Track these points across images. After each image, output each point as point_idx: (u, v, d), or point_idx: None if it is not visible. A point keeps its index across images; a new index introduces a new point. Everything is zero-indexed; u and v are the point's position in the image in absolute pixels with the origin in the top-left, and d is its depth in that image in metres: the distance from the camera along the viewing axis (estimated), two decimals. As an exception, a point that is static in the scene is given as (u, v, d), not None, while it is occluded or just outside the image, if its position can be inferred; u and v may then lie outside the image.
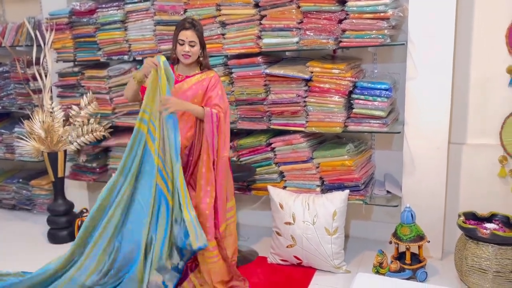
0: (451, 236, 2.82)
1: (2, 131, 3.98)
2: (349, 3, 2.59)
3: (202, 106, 2.40)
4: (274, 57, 3.06)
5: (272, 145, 2.96)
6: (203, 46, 2.47)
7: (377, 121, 2.67)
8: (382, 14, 2.53)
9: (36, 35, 3.35)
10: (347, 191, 2.71)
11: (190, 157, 2.47)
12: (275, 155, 2.97)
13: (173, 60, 2.54)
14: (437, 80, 2.64)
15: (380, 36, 2.56)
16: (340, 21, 2.65)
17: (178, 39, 2.42)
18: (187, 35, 2.40)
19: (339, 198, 2.68)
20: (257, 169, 3.01)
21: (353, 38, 2.62)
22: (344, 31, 2.64)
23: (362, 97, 2.69)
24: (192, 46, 2.42)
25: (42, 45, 3.31)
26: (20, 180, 4.00)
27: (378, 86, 2.66)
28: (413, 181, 2.79)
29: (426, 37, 2.62)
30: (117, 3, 3.23)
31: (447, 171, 2.75)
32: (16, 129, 3.83)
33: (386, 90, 2.65)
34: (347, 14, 2.62)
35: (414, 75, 2.69)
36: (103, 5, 3.29)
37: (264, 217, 3.35)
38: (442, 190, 2.75)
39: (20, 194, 3.99)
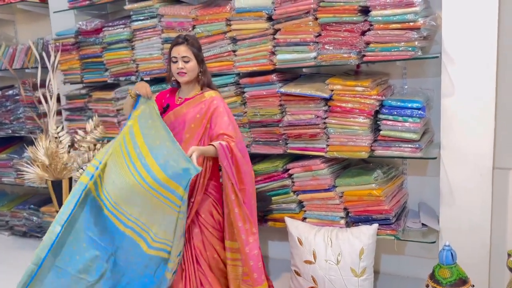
0: (498, 279, 2.43)
1: (13, 155, 3.90)
2: (373, 13, 2.30)
3: (213, 145, 2.14)
4: (290, 74, 2.79)
5: (290, 171, 2.67)
6: (200, 61, 2.23)
7: (409, 145, 2.33)
8: (411, 23, 2.22)
9: (42, 57, 3.22)
10: (375, 225, 2.38)
11: (191, 199, 2.19)
12: (293, 182, 2.68)
13: (170, 82, 2.35)
14: (478, 97, 2.29)
15: (410, 49, 2.25)
16: (363, 33, 2.36)
17: (171, 56, 2.21)
18: (179, 50, 2.18)
19: (366, 233, 2.36)
20: (273, 198, 2.72)
21: (378, 52, 2.32)
22: (368, 43, 2.35)
23: (390, 117, 2.37)
24: (186, 62, 2.18)
25: (48, 66, 3.17)
26: (31, 206, 3.88)
27: (409, 105, 2.34)
28: (452, 213, 2.43)
29: (463, 48, 2.28)
30: (123, 21, 3.07)
31: (492, 201, 2.37)
32: (25, 154, 3.72)
33: (419, 109, 2.33)
34: (371, 25, 2.33)
35: (450, 92, 2.35)
36: (110, 23, 3.13)
37: (283, 249, 3.04)
38: (487, 223, 2.37)
39: (31, 221, 3.86)
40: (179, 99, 2.28)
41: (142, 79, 3.11)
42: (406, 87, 2.66)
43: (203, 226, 2.24)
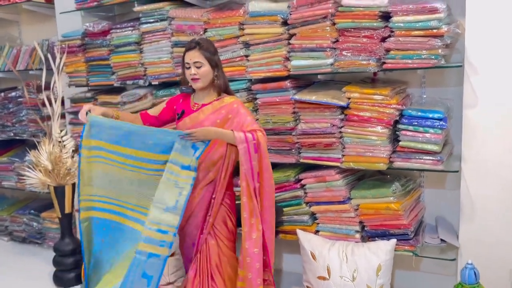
0: (524, 299, 2.31)
1: (14, 159, 3.80)
2: (394, 19, 2.20)
3: (232, 130, 2.06)
4: (303, 81, 2.70)
5: (302, 182, 2.56)
6: (214, 66, 2.12)
7: (430, 157, 2.23)
8: (435, 30, 2.13)
9: (47, 58, 3.13)
10: (394, 241, 2.28)
11: (212, 195, 2.12)
12: (305, 193, 2.57)
13: (186, 87, 2.25)
14: (502, 108, 2.19)
15: (433, 57, 2.15)
16: (383, 39, 2.26)
17: (184, 62, 2.12)
18: (191, 56, 2.09)
19: (384, 249, 2.25)
20: (285, 209, 2.61)
21: (399, 59, 2.22)
22: (388, 50, 2.25)
23: (410, 127, 2.27)
24: (199, 67, 2.09)
25: (54, 68, 3.08)
26: (32, 211, 3.77)
27: (430, 115, 2.24)
28: (474, 228, 2.32)
29: (487, 57, 2.19)
30: (132, 23, 2.98)
31: (515, 217, 2.27)
32: (27, 158, 3.61)
33: (440, 120, 2.23)
34: (392, 31, 2.24)
35: (473, 102, 2.25)
36: (118, 26, 3.04)
37: (293, 262, 2.93)
38: (510, 239, 2.26)
39: (31, 227, 3.75)
40: (195, 105, 2.18)
41: (150, 84, 3.02)
42: (424, 96, 2.56)
43: (219, 239, 2.15)
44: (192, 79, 2.10)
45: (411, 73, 2.55)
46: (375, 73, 2.58)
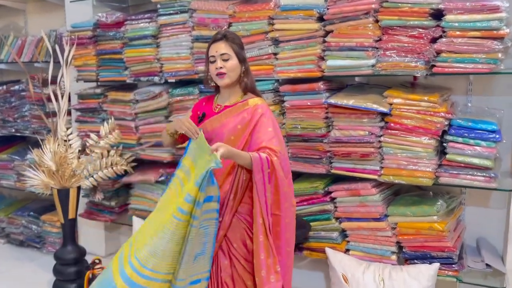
0: None
1: (14, 157, 3.58)
2: (447, 17, 1.97)
3: (249, 154, 1.77)
4: (336, 84, 2.46)
5: (332, 195, 2.32)
6: (242, 61, 1.88)
7: (482, 173, 2.00)
8: (495, 32, 1.90)
9: (55, 50, 2.90)
10: (437, 265, 2.05)
11: (218, 218, 1.83)
12: (335, 207, 2.34)
13: (208, 87, 2.00)
14: None
15: (492, 61, 1.92)
16: (433, 40, 2.03)
17: (209, 56, 1.88)
18: (217, 47, 1.85)
19: (426, 274, 2.02)
20: (312, 224, 2.37)
21: (452, 63, 2.00)
22: (438, 52, 2.02)
23: (459, 139, 2.04)
24: (226, 60, 1.84)
25: (61, 61, 2.85)
26: (31, 213, 3.55)
27: (483, 127, 2.01)
28: (524, 253, 2.08)
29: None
30: (149, 15, 2.75)
31: None
32: (28, 156, 3.39)
33: (494, 132, 2.00)
34: (444, 31, 2.01)
35: (530, 113, 2.02)
36: (133, 17, 2.81)
37: (315, 280, 2.68)
38: None
39: (29, 230, 3.54)
40: (218, 107, 1.93)
41: (166, 81, 2.78)
42: (469, 104, 2.33)
43: (234, 258, 1.87)
44: (217, 74, 1.85)
45: (455, 78, 2.32)
46: (415, 77, 2.36)
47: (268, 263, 1.77)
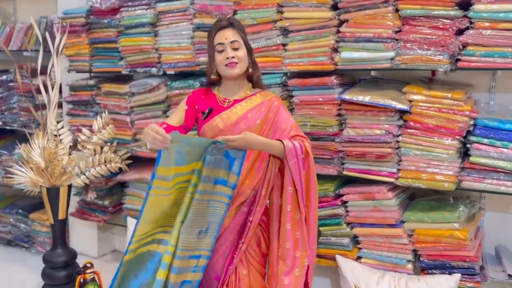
0: None
1: (2, 151, 3.42)
2: (476, 7, 1.81)
3: (280, 140, 1.66)
4: (348, 78, 2.30)
5: (344, 198, 2.17)
6: (250, 50, 1.75)
7: (510, 178, 1.84)
8: (529, 23, 1.74)
9: (45, 38, 2.71)
10: (458, 276, 1.90)
11: (249, 217, 1.73)
12: (346, 211, 2.18)
13: (210, 82, 1.82)
14: None
15: (524, 56, 1.76)
16: (459, 32, 1.87)
17: (216, 44, 1.71)
18: (226, 34, 1.69)
19: (446, 285, 1.88)
20: (321, 229, 2.21)
21: (479, 57, 1.83)
22: (464, 46, 1.86)
23: (485, 140, 1.88)
24: (236, 49, 1.69)
25: (52, 50, 2.66)
26: (19, 211, 3.38)
27: (511, 127, 1.85)
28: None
29: None
30: (146, 1, 2.59)
31: None
32: (16, 151, 3.22)
33: (522, 132, 1.84)
34: (471, 23, 1.84)
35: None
36: (129, 3, 2.63)
37: (322, 286, 2.53)
38: None
39: (18, 228, 3.37)
40: (226, 101, 1.76)
41: (164, 73, 2.60)
42: (492, 103, 2.17)
43: (251, 266, 1.75)
44: (228, 64, 1.68)
45: (478, 74, 2.16)
46: (433, 72, 2.19)
47: (295, 255, 1.68)
